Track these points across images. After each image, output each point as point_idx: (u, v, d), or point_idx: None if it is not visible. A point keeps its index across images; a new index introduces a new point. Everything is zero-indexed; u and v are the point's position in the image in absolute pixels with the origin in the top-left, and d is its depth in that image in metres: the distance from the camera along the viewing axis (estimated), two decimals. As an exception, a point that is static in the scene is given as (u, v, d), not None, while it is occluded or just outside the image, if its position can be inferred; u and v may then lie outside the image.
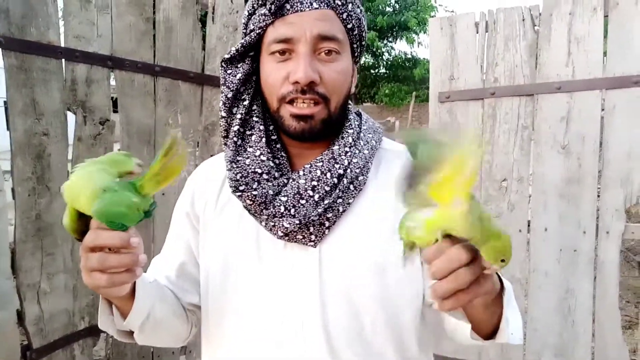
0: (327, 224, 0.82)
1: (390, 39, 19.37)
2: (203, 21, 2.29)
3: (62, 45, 1.93)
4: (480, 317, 0.76)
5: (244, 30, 0.88)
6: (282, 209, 0.82)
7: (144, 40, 2.12)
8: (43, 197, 1.92)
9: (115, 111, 2.10)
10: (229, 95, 0.88)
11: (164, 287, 0.91)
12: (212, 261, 0.90)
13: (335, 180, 0.83)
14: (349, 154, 0.85)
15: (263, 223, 0.84)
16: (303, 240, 0.82)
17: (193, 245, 0.94)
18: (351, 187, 0.84)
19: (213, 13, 2.30)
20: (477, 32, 2.23)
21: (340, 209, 0.82)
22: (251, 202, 0.83)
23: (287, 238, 0.83)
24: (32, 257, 1.92)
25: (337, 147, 0.86)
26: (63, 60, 1.92)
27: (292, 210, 0.81)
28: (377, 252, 0.83)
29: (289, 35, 0.80)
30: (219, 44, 2.32)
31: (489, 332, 0.79)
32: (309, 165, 0.84)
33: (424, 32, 17.58)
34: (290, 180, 0.84)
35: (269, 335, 0.83)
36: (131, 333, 0.83)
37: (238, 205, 0.87)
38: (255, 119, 0.88)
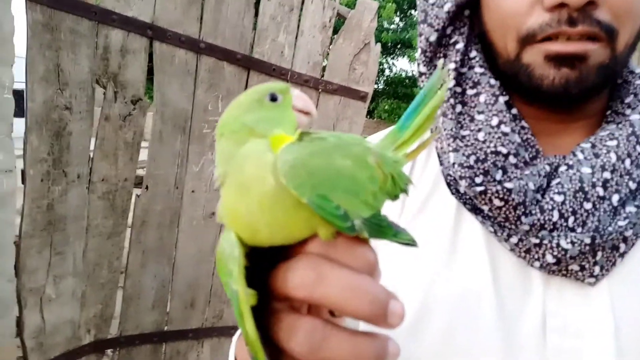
0: (622, 247, 0.50)
1: (392, 56, 19.33)
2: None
3: (98, 4, 1.62)
4: None
5: None
6: (556, 215, 0.50)
7: (191, 10, 1.81)
8: (58, 183, 1.59)
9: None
10: (432, 39, 0.57)
11: None
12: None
13: None
14: None
15: (513, 240, 0.52)
16: (580, 273, 0.50)
17: None
18: None
19: (270, -12, 2.00)
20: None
21: None
22: (503, 204, 0.51)
23: (556, 268, 0.50)
24: (38, 256, 1.58)
25: (639, 116, 0.54)
26: (97, 22, 1.61)
27: (571, 220, 0.49)
28: None
29: None
30: (272, 24, 2.02)
31: None
32: (590, 146, 0.53)
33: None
34: (563, 167, 0.52)
35: None
36: None
37: (447, 207, 0.56)
38: (478, 70, 0.57)
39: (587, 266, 0.50)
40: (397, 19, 18.78)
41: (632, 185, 0.50)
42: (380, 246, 0.45)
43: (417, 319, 0.53)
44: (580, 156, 0.52)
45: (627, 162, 0.51)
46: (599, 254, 0.49)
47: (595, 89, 0.52)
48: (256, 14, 1.99)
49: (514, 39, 0.52)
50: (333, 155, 0.30)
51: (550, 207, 0.50)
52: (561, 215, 0.50)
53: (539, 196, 0.51)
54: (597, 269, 0.50)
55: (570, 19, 0.48)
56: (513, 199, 0.50)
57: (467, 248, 0.54)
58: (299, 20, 2.11)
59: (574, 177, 0.50)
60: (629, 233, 0.50)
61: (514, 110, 0.56)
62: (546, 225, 0.50)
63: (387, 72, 19.24)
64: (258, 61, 2.00)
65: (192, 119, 1.89)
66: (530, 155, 0.54)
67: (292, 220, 0.30)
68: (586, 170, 0.50)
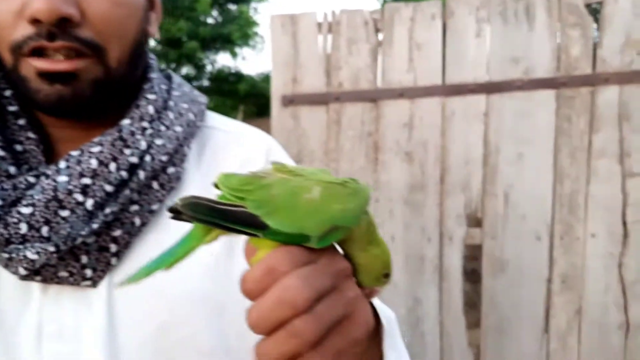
0: (113, 247, 0.52)
1: (213, 51, 19.15)
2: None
3: None
4: None
5: None
6: (25, 227, 0.49)
7: None
8: None
9: None
10: None
11: None
12: None
13: (125, 174, 0.53)
14: (150, 132, 0.56)
15: None
16: (71, 279, 0.51)
17: None
18: (154, 184, 0.55)
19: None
20: (320, 33, 2.11)
21: (137, 221, 0.54)
22: None
23: (39, 278, 0.51)
24: None
25: (129, 121, 0.56)
26: None
27: (45, 230, 0.50)
28: (207, 283, 0.55)
29: None
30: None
31: None
32: (78, 153, 0.53)
33: (248, 46, 17.71)
34: (43, 177, 0.52)
35: None
36: None
37: None
38: None
39: (76, 272, 0.51)
40: (215, 13, 18.61)
41: (109, 189, 0.52)
42: None
43: None
44: (63, 165, 0.52)
45: (112, 166, 0.53)
46: (84, 258, 0.51)
47: (95, 102, 0.54)
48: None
49: (7, 50, 0.52)
50: None
51: (16, 221, 0.49)
52: (31, 227, 0.50)
53: (11, 210, 0.50)
54: (89, 272, 0.52)
55: (49, 33, 0.49)
56: None
57: None
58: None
59: (47, 187, 0.51)
60: (117, 233, 0.52)
61: (22, 121, 0.56)
62: (14, 239, 0.49)
63: (209, 67, 19.01)
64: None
65: None
66: (27, 168, 0.54)
67: None
68: (63, 178, 0.51)
